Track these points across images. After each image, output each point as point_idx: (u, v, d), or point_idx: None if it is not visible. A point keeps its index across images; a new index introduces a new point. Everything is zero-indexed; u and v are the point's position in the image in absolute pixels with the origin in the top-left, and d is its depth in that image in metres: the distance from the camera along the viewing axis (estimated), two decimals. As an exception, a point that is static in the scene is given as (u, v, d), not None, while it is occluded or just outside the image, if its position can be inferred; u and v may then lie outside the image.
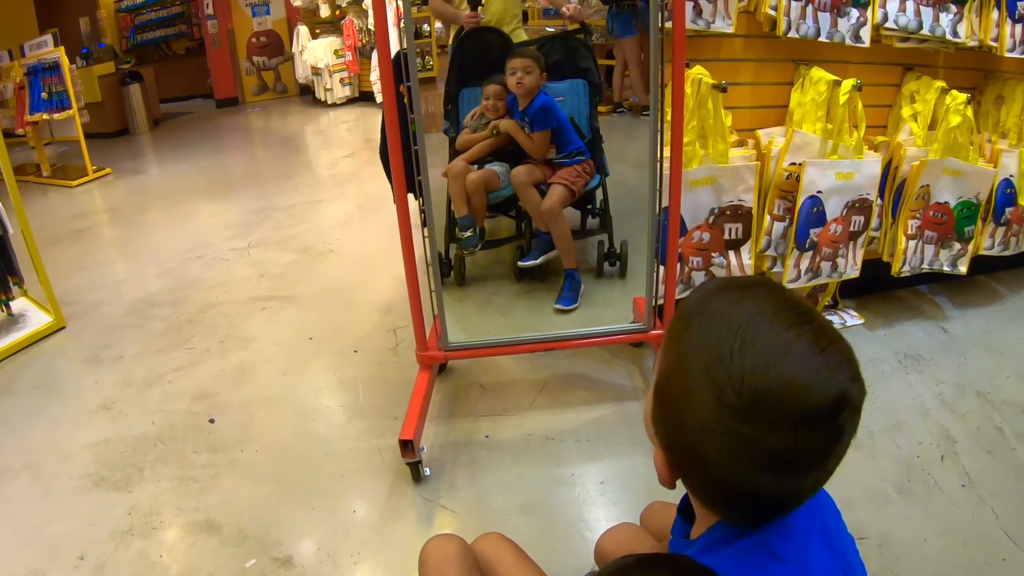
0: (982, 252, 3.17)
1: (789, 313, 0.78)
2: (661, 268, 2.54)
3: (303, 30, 9.65)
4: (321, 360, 3.11)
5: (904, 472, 2.27)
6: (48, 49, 6.54)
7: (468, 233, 3.16)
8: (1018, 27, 2.84)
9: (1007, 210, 3.10)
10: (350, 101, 9.62)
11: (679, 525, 1.00)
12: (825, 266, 2.89)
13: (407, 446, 2.25)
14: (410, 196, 2.31)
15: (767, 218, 2.81)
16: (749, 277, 0.75)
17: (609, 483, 2.27)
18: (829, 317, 3.11)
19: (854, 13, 2.66)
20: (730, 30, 2.62)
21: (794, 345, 0.75)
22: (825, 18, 2.64)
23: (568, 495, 2.26)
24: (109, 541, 2.17)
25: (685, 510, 0.99)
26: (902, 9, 2.69)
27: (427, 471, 2.35)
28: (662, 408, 0.83)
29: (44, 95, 6.54)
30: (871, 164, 2.79)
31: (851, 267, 2.96)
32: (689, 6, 2.50)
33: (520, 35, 3.88)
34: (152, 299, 3.83)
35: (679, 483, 0.87)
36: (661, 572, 0.81)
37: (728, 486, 0.78)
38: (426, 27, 8.51)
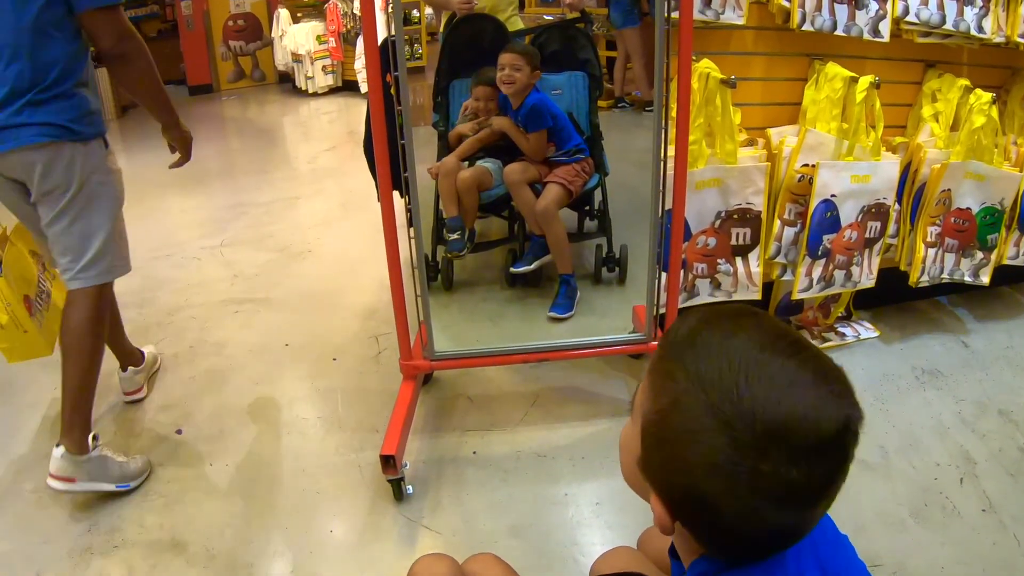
0: (1006, 262, 3.19)
1: (784, 343, 0.81)
2: (663, 275, 2.55)
3: (284, 13, 9.64)
4: (297, 368, 3.10)
5: (920, 495, 2.28)
6: (9, 30, 6.51)
7: (455, 236, 3.15)
8: (1047, 23, 2.86)
9: (1033, 218, 3.11)
10: (332, 90, 9.61)
11: (674, 568, 1.01)
12: (839, 275, 2.89)
13: (389, 462, 2.24)
14: (395, 194, 2.31)
15: (777, 223, 2.81)
16: (733, 306, 0.81)
17: (605, 504, 2.27)
18: (842, 329, 3.13)
19: (873, 6, 2.67)
20: (741, 22, 2.63)
21: (798, 375, 0.78)
22: (842, 10, 2.65)
23: (561, 516, 2.26)
24: (67, 560, 2.15)
25: (674, 551, 1.00)
26: (924, 2, 2.70)
27: (410, 489, 2.34)
28: (659, 452, 0.84)
29: (3, 79, 6.51)
30: (889, 167, 2.80)
31: (866, 276, 2.97)
32: (697, -5, 2.51)
33: (516, 23, 3.89)
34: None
35: None
36: None
37: (739, 526, 0.80)
38: (416, 13, 8.52)
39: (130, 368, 2.84)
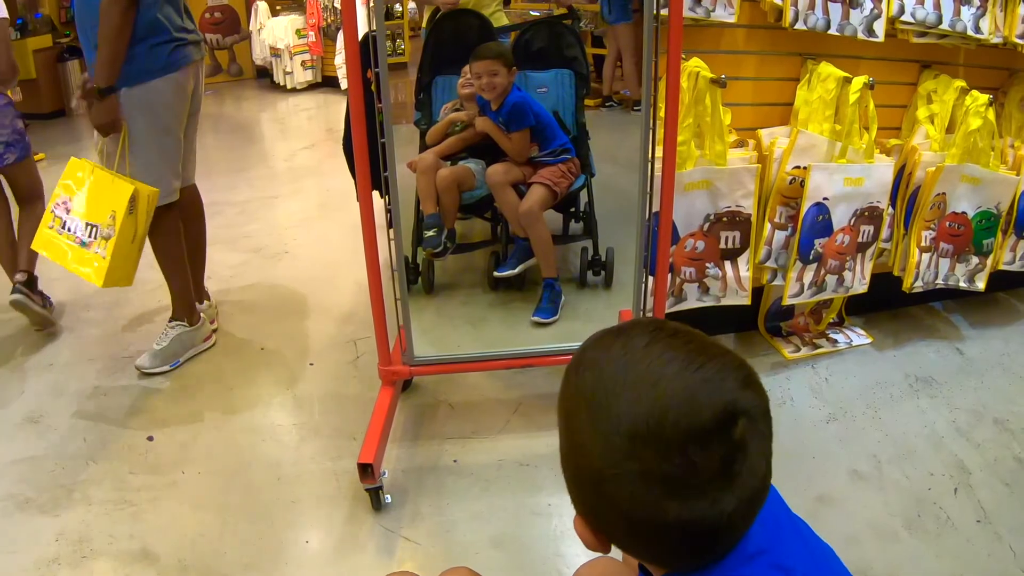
0: (1002, 267, 3.22)
1: (662, 341, 0.84)
2: (650, 279, 2.56)
3: (262, 6, 9.62)
4: (273, 373, 3.10)
5: (914, 506, 2.30)
6: (-25, 20, 6.47)
7: (431, 232, 3.12)
8: (1044, 23, 2.88)
9: (1029, 222, 3.13)
10: (312, 86, 9.59)
11: None
12: (830, 280, 2.91)
13: (366, 470, 2.24)
14: (375, 194, 2.30)
15: (767, 226, 2.83)
16: (633, 320, 0.88)
17: (590, 514, 2.27)
18: (834, 336, 3.14)
19: (868, 4, 2.69)
20: (732, 19, 2.64)
21: (665, 371, 0.81)
22: (836, 9, 2.67)
23: (544, 527, 2.26)
24: (33, 570, 2.14)
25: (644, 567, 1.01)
26: (920, 1, 2.72)
27: (388, 498, 2.34)
28: (567, 468, 0.90)
29: (-31, 71, 6.48)
30: (883, 169, 2.82)
31: (859, 281, 2.98)
32: (688, -8, 2.52)
33: (501, 18, 3.89)
34: (86, 301, 3.80)
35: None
36: None
37: (644, 528, 0.82)
38: (398, 7, 8.51)
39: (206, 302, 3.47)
